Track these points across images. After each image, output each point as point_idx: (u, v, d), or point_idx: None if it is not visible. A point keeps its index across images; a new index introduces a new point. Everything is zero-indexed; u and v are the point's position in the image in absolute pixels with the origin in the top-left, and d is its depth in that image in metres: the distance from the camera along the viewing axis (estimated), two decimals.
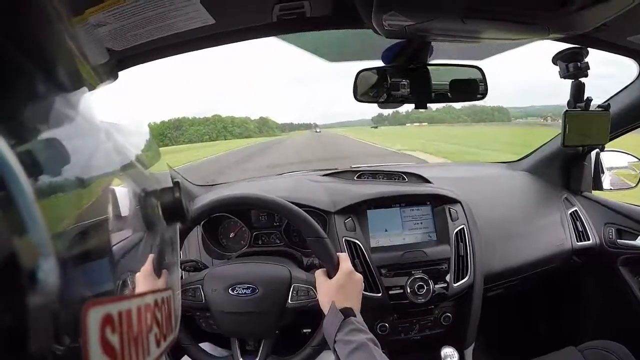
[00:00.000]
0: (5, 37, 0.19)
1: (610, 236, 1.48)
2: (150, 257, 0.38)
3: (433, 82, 1.06)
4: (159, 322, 0.30)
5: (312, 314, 0.99)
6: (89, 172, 0.25)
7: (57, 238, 0.20)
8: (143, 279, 0.37)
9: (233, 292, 0.98)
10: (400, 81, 1.04)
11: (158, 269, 0.39)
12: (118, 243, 0.31)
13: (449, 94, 1.09)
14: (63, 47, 0.25)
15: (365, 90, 1.07)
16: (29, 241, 0.17)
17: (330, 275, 0.94)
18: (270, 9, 0.86)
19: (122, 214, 0.32)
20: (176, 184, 0.38)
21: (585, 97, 1.26)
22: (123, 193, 0.32)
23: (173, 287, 0.37)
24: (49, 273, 0.18)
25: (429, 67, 1.05)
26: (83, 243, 0.24)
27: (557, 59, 1.27)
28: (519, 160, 1.80)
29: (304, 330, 1.10)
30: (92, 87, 0.29)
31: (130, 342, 0.24)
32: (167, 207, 0.37)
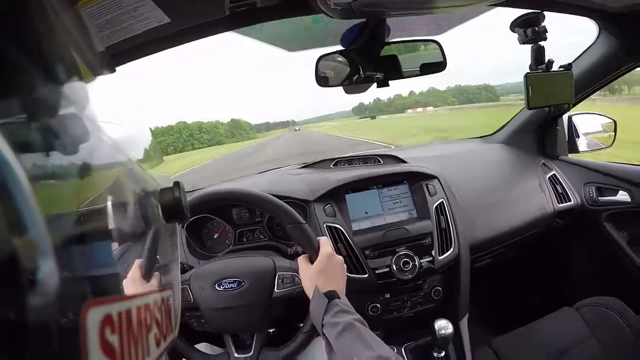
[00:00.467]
0: (7, 40, 0.19)
1: (591, 195, 1.51)
2: (138, 262, 0.39)
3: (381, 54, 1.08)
4: (159, 322, 0.30)
5: (302, 302, 0.99)
6: (89, 170, 0.26)
7: (57, 237, 0.20)
8: (138, 281, 0.38)
9: (220, 287, 0.98)
10: (360, 62, 1.06)
11: (158, 270, 0.40)
12: (119, 240, 0.32)
13: (407, 69, 1.11)
14: (59, 40, 0.26)
15: (327, 75, 1.09)
16: (29, 240, 0.17)
17: (312, 260, 0.95)
18: (222, 2, 0.88)
19: (123, 214, 0.32)
20: (176, 183, 0.38)
21: (546, 60, 1.28)
22: (123, 192, 0.32)
23: (173, 287, 0.37)
24: (49, 273, 0.18)
25: (388, 47, 1.07)
26: (83, 243, 0.25)
27: (515, 25, 1.29)
28: (492, 134, 1.82)
29: (298, 324, 1.11)
30: (89, 80, 0.29)
31: (130, 342, 0.25)
32: (167, 207, 0.37)
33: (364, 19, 1.01)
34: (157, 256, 0.41)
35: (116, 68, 1.08)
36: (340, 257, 0.96)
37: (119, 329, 0.23)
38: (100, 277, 0.28)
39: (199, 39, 1.02)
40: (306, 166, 1.54)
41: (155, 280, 0.41)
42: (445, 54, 1.11)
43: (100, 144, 0.28)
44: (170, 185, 0.38)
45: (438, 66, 1.13)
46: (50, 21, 0.24)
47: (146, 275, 0.40)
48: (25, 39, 0.21)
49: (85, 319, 0.20)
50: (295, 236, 0.99)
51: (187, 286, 1.00)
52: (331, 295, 0.85)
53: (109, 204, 0.30)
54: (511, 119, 1.72)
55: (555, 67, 1.29)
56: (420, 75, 1.15)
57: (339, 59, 1.09)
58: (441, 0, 0.90)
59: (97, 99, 0.29)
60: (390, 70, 1.09)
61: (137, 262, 0.38)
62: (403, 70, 1.11)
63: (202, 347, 1.21)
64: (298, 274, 0.99)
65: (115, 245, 0.31)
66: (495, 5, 0.96)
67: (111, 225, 0.30)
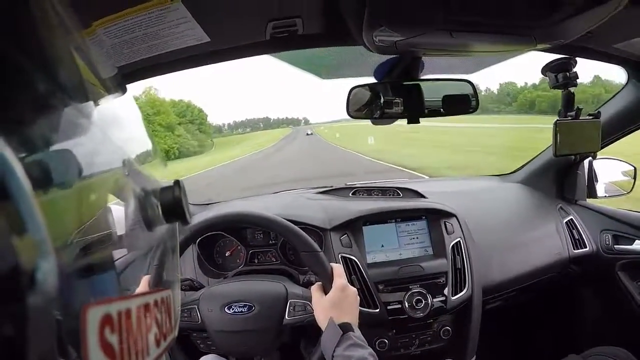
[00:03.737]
0: (8, 41, 0.19)
1: (607, 242, 1.49)
2: (147, 278, 0.38)
3: (425, 98, 1.07)
4: (159, 322, 0.30)
5: (311, 331, 0.97)
6: (90, 172, 0.26)
7: (57, 238, 0.20)
8: (142, 282, 0.38)
9: (229, 310, 0.97)
10: (394, 98, 1.05)
11: (159, 281, 0.39)
12: (119, 242, 0.31)
13: (441, 109, 1.10)
14: (68, 56, 0.26)
15: (358, 107, 1.08)
16: (29, 241, 0.17)
17: (326, 289, 0.94)
18: (264, 27, 0.87)
19: (122, 215, 0.32)
20: (176, 182, 0.38)
21: (575, 107, 1.28)
22: (124, 194, 0.32)
23: (172, 287, 0.37)
24: (48, 273, 0.18)
25: (420, 83, 1.07)
26: (83, 242, 0.24)
27: (547, 70, 1.28)
28: (512, 172, 1.81)
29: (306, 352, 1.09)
30: (98, 97, 0.30)
31: (130, 342, 0.24)
32: (167, 207, 0.36)
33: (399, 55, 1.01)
34: (164, 272, 0.41)
35: (142, 80, 1.09)
36: (354, 289, 0.94)
37: (119, 329, 0.23)
38: (99, 278, 0.28)
39: (234, 59, 1.02)
40: (324, 192, 1.53)
41: (164, 277, 0.40)
42: (478, 95, 1.11)
43: (101, 144, 0.28)
44: (174, 184, 0.38)
45: (469, 107, 1.12)
46: (54, 25, 0.24)
47: (154, 277, 0.40)
48: (28, 41, 0.21)
49: (85, 318, 0.20)
50: (309, 263, 0.97)
51: (196, 306, 0.98)
52: (346, 328, 0.84)
53: (110, 205, 0.29)
54: (532, 159, 1.70)
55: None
56: (450, 115, 1.14)
57: (371, 91, 1.08)
58: (478, 45, 0.91)
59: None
60: (419, 108, 1.08)
61: (146, 279, 0.38)
62: (433, 109, 1.10)
63: None
64: (310, 302, 0.97)
65: (114, 244, 0.31)
66: (527, 51, 0.96)
67: (112, 225, 0.30)
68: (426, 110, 1.07)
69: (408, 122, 1.09)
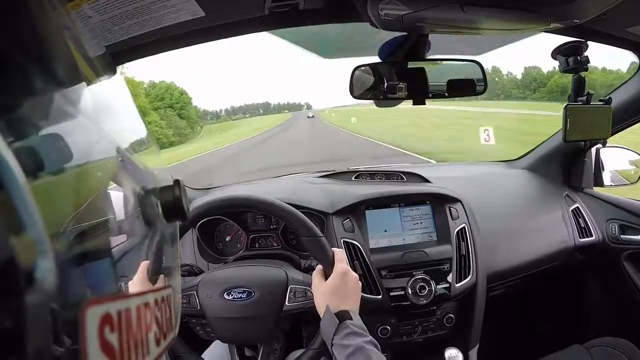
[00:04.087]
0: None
1: (613, 232, 1.46)
2: (145, 264, 0.38)
3: (430, 80, 1.03)
4: (159, 321, 0.29)
5: (312, 317, 0.95)
6: (87, 168, 0.25)
7: (55, 235, 0.20)
8: (142, 281, 0.37)
9: (228, 296, 0.95)
10: (397, 83, 1.01)
11: (157, 268, 0.39)
12: (118, 242, 0.30)
13: (446, 93, 1.06)
14: (60, 38, 0.25)
15: (361, 87, 1.05)
16: (27, 239, 0.17)
17: (327, 274, 0.91)
18: (262, 0, 0.83)
19: (121, 212, 0.31)
20: (176, 182, 0.37)
21: (586, 92, 1.24)
22: (121, 189, 0.31)
23: (173, 286, 0.36)
24: (47, 272, 0.18)
25: (426, 64, 1.03)
26: (82, 240, 0.24)
27: (557, 53, 1.24)
28: (518, 158, 1.78)
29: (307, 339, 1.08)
30: (89, 81, 0.29)
31: (130, 341, 0.24)
32: (167, 206, 0.36)
33: (405, 33, 0.97)
34: (163, 257, 0.40)
35: (139, 59, 1.05)
36: (356, 275, 0.92)
37: (119, 328, 0.23)
38: (100, 277, 0.27)
39: (232, 36, 0.98)
40: (326, 176, 1.50)
41: (160, 279, 0.40)
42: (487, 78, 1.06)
43: (99, 141, 0.28)
44: (174, 183, 0.37)
45: (477, 88, 1.08)
46: (47, 19, 0.24)
47: (152, 278, 0.39)
48: (22, 37, 0.21)
49: (84, 318, 0.20)
50: (310, 248, 0.95)
51: (195, 292, 0.96)
52: (343, 316, 0.82)
53: (109, 202, 0.29)
54: (538, 145, 1.67)
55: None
56: (455, 97, 1.11)
57: (374, 72, 1.04)
58: (490, 22, 0.87)
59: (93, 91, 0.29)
60: (424, 89, 1.04)
61: (144, 264, 0.37)
62: (437, 90, 1.06)
63: (208, 355, 1.17)
64: (311, 288, 0.95)
65: (114, 243, 0.30)
66: (539, 31, 0.93)
67: (111, 223, 0.29)
68: (430, 94, 1.04)
69: (413, 103, 1.05)
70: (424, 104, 1.06)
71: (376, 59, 1.04)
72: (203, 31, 0.94)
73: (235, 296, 0.95)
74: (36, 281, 0.17)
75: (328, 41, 1.15)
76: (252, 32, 0.96)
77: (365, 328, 0.82)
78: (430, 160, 8.43)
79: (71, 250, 0.22)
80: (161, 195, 0.36)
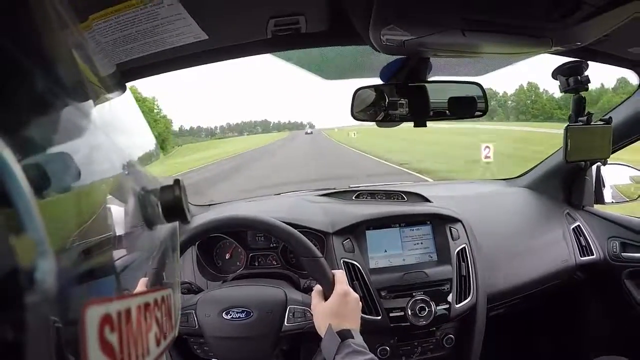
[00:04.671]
0: (8, 41, 0.19)
1: (615, 250, 1.45)
2: (143, 281, 0.37)
3: (431, 100, 1.03)
4: (159, 321, 0.30)
5: (311, 338, 0.94)
6: (89, 172, 0.25)
7: (56, 238, 0.20)
8: (142, 281, 0.37)
9: (227, 316, 0.94)
10: (398, 100, 1.02)
11: (158, 269, 0.39)
12: (119, 241, 0.30)
13: (447, 111, 1.07)
14: (68, 54, 0.25)
15: (362, 108, 1.05)
16: (27, 241, 0.17)
17: (326, 295, 0.91)
18: (264, 24, 0.84)
19: (122, 214, 0.31)
20: (176, 181, 0.37)
21: (586, 112, 1.25)
22: (124, 193, 0.31)
23: (173, 286, 0.37)
24: (47, 273, 0.18)
25: (427, 85, 1.03)
26: (82, 243, 0.24)
27: (557, 73, 1.25)
28: (518, 177, 1.78)
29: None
30: (98, 96, 0.30)
31: (130, 341, 0.24)
32: (167, 206, 0.36)
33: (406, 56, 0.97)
34: (165, 262, 0.40)
35: (142, 79, 1.05)
36: (356, 295, 0.91)
37: (119, 328, 0.23)
38: (99, 276, 0.27)
39: (235, 58, 0.98)
40: (327, 194, 1.49)
41: (165, 276, 0.40)
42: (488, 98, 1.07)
43: (101, 145, 0.28)
44: (174, 183, 0.37)
45: (476, 110, 1.08)
46: (57, 36, 0.24)
47: (154, 276, 0.39)
48: (27, 39, 0.21)
49: (84, 318, 0.20)
50: (310, 269, 0.95)
51: (193, 311, 0.96)
52: (344, 335, 0.81)
53: (110, 205, 0.29)
54: (539, 164, 1.67)
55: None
56: (457, 118, 1.11)
57: (376, 93, 1.05)
58: (491, 46, 0.87)
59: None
60: (425, 110, 1.04)
61: (142, 281, 0.37)
62: (439, 111, 1.06)
63: None
64: (310, 308, 0.95)
65: (117, 247, 0.30)
66: (540, 53, 0.93)
67: (111, 224, 0.29)
68: (432, 112, 1.04)
69: (415, 125, 1.05)
70: (425, 125, 1.06)
71: (378, 81, 1.05)
72: (206, 53, 0.95)
73: (234, 316, 0.94)
74: (36, 282, 0.17)
75: (329, 63, 1.15)
76: (254, 54, 0.96)
77: (367, 347, 0.82)
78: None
79: (71, 252, 0.22)
80: (161, 195, 0.36)
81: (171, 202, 0.35)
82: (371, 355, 0.78)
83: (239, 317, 0.94)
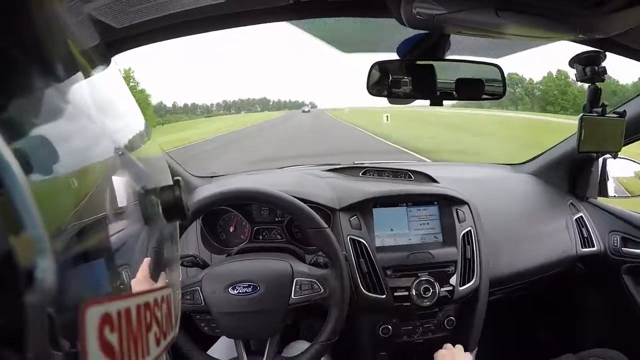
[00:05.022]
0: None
1: (615, 244, 1.46)
2: (147, 260, 0.37)
3: (440, 79, 1.02)
4: (159, 321, 0.30)
5: (318, 310, 0.97)
6: (85, 165, 0.25)
7: (55, 235, 0.19)
8: (142, 280, 0.37)
9: (233, 291, 0.94)
10: (401, 77, 1.00)
11: (158, 268, 0.38)
12: (117, 241, 0.30)
13: (454, 92, 1.05)
14: (54, 31, 0.25)
15: (371, 84, 1.03)
16: (27, 239, 0.17)
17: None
18: None
19: (121, 210, 0.31)
20: (176, 182, 0.37)
21: (601, 103, 1.23)
22: (121, 187, 0.31)
23: (173, 285, 0.36)
24: (47, 271, 0.18)
25: (443, 63, 1.01)
26: (81, 239, 0.24)
27: (575, 61, 1.23)
28: (524, 162, 1.77)
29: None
30: (85, 73, 0.29)
31: (130, 341, 0.24)
32: (168, 206, 0.36)
33: (427, 31, 0.95)
34: (164, 255, 0.40)
35: (153, 44, 1.01)
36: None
37: (119, 328, 0.23)
38: (98, 276, 0.27)
39: (252, 24, 0.95)
40: (333, 170, 1.48)
41: (165, 275, 0.40)
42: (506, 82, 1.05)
43: (94, 136, 0.28)
44: (175, 183, 0.37)
45: (494, 91, 1.07)
46: (43, 12, 0.24)
47: (154, 275, 0.39)
48: (19, 34, 0.21)
49: (84, 318, 0.20)
50: (316, 241, 0.96)
51: (199, 288, 0.95)
52: None
53: (108, 200, 0.29)
54: (546, 151, 1.67)
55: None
56: (473, 99, 1.10)
57: (394, 68, 1.03)
58: (520, 28, 0.85)
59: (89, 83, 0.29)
60: (429, 87, 1.02)
61: (147, 261, 0.37)
62: (446, 88, 1.04)
63: (214, 351, 1.16)
64: (317, 280, 0.96)
65: (114, 243, 0.30)
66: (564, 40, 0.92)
67: (110, 222, 0.29)
68: (438, 92, 1.03)
69: (431, 104, 1.04)
70: (441, 104, 1.05)
71: (395, 56, 1.02)
72: (223, 17, 0.91)
73: (240, 291, 0.94)
74: (36, 280, 0.17)
75: (347, 35, 1.12)
76: (273, 21, 0.93)
77: None
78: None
79: (71, 248, 0.22)
80: (162, 195, 0.36)
81: (172, 202, 0.36)
82: None
83: (246, 291, 0.94)
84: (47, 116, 0.22)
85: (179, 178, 0.37)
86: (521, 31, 0.86)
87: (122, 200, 0.31)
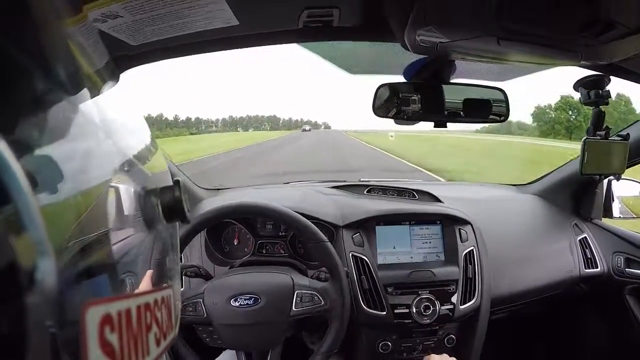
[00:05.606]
0: (4, 37, 0.19)
1: (619, 265, 1.46)
2: (150, 273, 0.38)
3: (447, 100, 1.03)
4: (159, 321, 0.30)
5: (319, 322, 0.98)
6: (89, 173, 0.25)
7: (56, 237, 0.20)
8: (143, 282, 0.37)
9: (235, 303, 0.95)
10: (411, 96, 1.01)
11: (161, 274, 0.39)
12: (118, 242, 0.30)
13: (461, 112, 1.06)
14: (64, 47, 0.25)
15: (379, 105, 1.05)
16: (27, 241, 0.17)
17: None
18: (298, 14, 0.83)
19: (122, 214, 0.31)
20: (176, 182, 0.37)
21: (605, 126, 1.25)
22: (123, 193, 0.31)
23: (173, 286, 0.37)
24: (48, 273, 0.18)
25: (448, 86, 1.03)
26: (82, 242, 0.24)
27: (579, 85, 1.25)
28: (529, 183, 1.78)
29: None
30: (94, 89, 0.29)
31: (130, 341, 0.25)
32: (167, 206, 0.36)
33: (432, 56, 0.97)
34: (166, 261, 0.40)
35: (165, 60, 1.04)
36: None
37: (119, 329, 0.23)
38: (99, 276, 0.27)
39: (263, 45, 0.98)
40: (338, 187, 1.50)
41: (165, 276, 0.41)
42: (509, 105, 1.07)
43: (99, 145, 0.28)
44: (174, 184, 0.38)
45: (499, 115, 1.08)
46: (50, 14, 0.24)
47: (155, 277, 0.39)
48: (26, 38, 0.21)
49: (85, 318, 0.20)
50: (317, 255, 0.98)
51: (201, 300, 0.97)
52: None
53: (110, 206, 0.29)
54: (551, 171, 1.67)
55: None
56: (476, 121, 1.11)
57: (397, 90, 1.05)
58: (523, 55, 0.87)
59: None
60: (437, 105, 1.04)
61: (149, 274, 0.37)
62: (454, 108, 1.05)
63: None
64: (318, 292, 0.97)
65: (114, 244, 0.30)
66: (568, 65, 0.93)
67: (112, 225, 0.29)
68: (446, 112, 1.04)
69: (435, 126, 1.06)
70: (445, 126, 1.06)
71: (401, 79, 1.04)
72: (234, 39, 0.94)
73: (242, 303, 0.95)
74: (36, 282, 0.17)
75: (355, 57, 1.15)
76: (282, 43, 0.96)
77: None
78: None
79: (71, 251, 0.22)
80: (161, 195, 0.36)
81: (171, 203, 0.36)
82: None
83: (247, 303, 0.95)
84: (52, 123, 0.22)
85: (179, 178, 0.38)
86: (524, 58, 0.88)
87: (125, 204, 0.31)
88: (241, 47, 0.98)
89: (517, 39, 0.75)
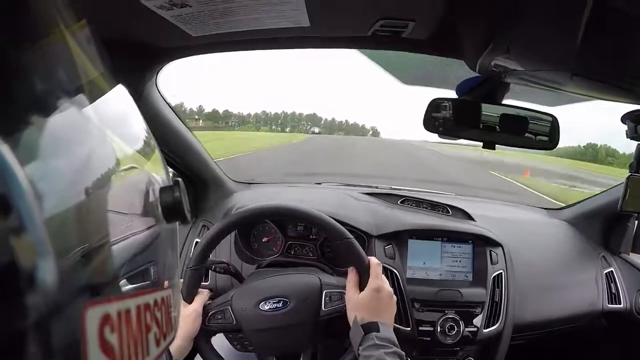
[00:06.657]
0: (6, 40, 0.19)
1: None
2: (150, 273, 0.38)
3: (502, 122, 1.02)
4: (159, 322, 0.30)
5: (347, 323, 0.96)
6: (90, 174, 0.25)
7: (57, 238, 0.19)
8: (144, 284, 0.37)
9: (264, 307, 0.95)
10: (442, 101, 1.01)
11: (158, 269, 0.39)
12: (119, 243, 0.30)
13: (497, 126, 1.05)
14: (66, 49, 0.25)
15: (431, 118, 1.04)
16: (28, 241, 0.17)
17: (361, 280, 0.94)
18: (371, 23, 0.82)
19: (123, 215, 0.31)
20: (176, 182, 0.37)
21: None
22: (124, 194, 0.31)
23: (173, 287, 0.37)
24: (48, 273, 0.18)
25: (501, 107, 1.02)
26: (83, 242, 0.23)
27: (627, 118, 1.23)
28: (561, 208, 1.77)
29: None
30: (96, 92, 0.29)
31: (130, 341, 0.25)
32: (167, 206, 0.36)
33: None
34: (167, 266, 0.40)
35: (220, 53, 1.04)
36: (390, 290, 0.93)
37: (119, 329, 0.23)
38: (99, 277, 0.27)
39: (325, 48, 0.97)
40: (372, 194, 1.49)
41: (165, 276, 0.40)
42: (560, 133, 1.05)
43: (100, 145, 0.28)
44: (174, 184, 0.38)
45: (546, 143, 1.07)
46: (53, 18, 0.24)
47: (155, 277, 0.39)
48: (27, 40, 0.21)
49: (84, 318, 0.21)
50: (344, 253, 0.97)
51: (229, 307, 0.96)
52: (369, 328, 0.85)
53: (110, 205, 0.28)
54: (584, 199, 1.66)
55: None
56: (524, 147, 1.10)
57: (450, 106, 1.04)
58: (588, 90, 0.86)
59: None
60: (495, 132, 1.03)
61: (149, 274, 0.37)
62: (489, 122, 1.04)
63: None
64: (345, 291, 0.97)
65: (114, 244, 0.29)
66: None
67: (112, 224, 0.29)
68: (481, 125, 1.02)
69: (483, 147, 1.05)
70: (494, 148, 1.05)
71: (453, 94, 1.04)
72: (297, 39, 0.93)
73: (271, 306, 0.95)
74: (37, 282, 0.17)
75: (410, 67, 1.14)
76: (348, 48, 0.95)
77: (395, 341, 0.85)
78: None
79: (72, 250, 0.22)
80: (161, 196, 0.36)
81: (171, 203, 0.36)
82: (394, 349, 0.82)
83: (276, 307, 0.95)
84: (53, 124, 0.22)
85: (179, 179, 0.38)
86: (589, 93, 0.87)
87: (125, 204, 0.31)
88: (303, 48, 0.97)
89: (590, 77, 0.74)
